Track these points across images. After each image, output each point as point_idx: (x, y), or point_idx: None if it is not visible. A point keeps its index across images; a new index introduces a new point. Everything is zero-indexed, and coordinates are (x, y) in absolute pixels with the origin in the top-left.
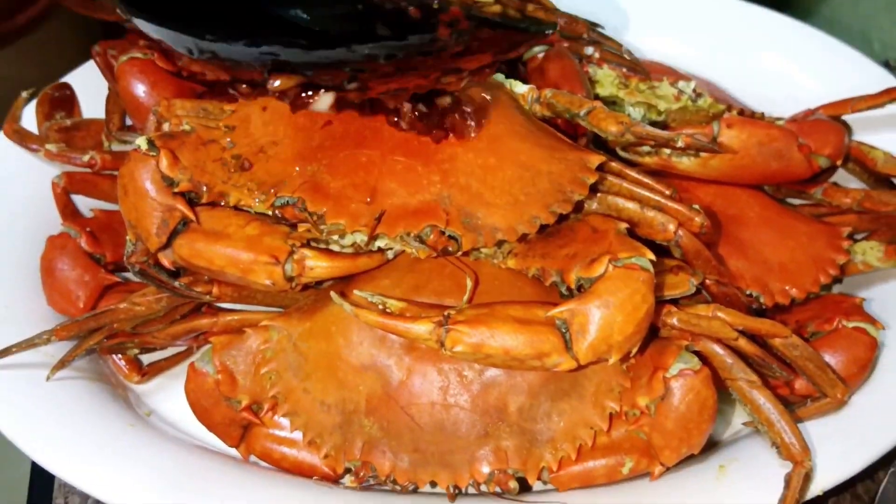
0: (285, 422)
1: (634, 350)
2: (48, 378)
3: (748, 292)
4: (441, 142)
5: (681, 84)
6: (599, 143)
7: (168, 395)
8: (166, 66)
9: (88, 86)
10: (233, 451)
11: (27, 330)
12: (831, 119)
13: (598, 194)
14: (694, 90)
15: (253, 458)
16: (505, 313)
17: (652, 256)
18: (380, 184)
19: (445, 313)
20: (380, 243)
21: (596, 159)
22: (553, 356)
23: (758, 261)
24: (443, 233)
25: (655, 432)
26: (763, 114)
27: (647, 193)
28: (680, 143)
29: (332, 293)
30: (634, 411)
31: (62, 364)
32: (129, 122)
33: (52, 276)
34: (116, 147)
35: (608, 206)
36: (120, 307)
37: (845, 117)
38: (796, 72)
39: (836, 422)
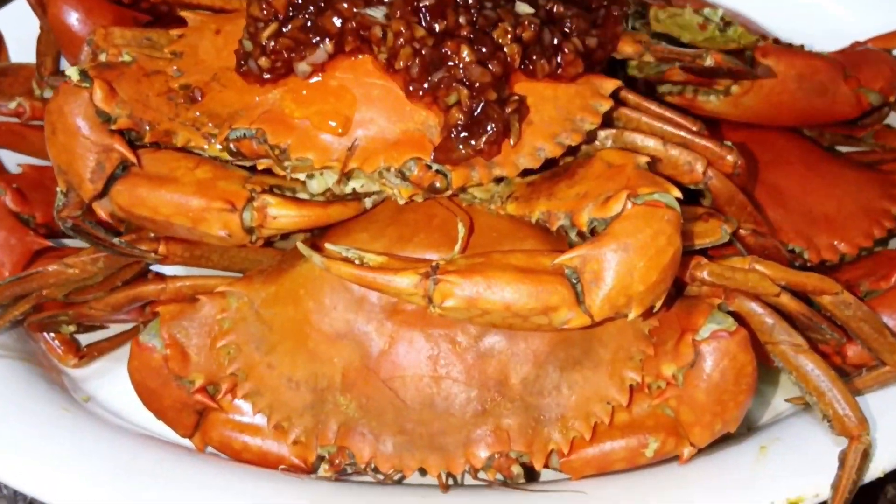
0: (247, 405)
1: (658, 304)
2: None
3: (790, 247)
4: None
5: (706, 12)
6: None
7: (110, 380)
8: None
9: (18, 26)
10: (186, 442)
11: None
12: (883, 51)
13: (614, 129)
14: (722, 18)
15: (210, 449)
16: (504, 262)
17: (678, 193)
18: (354, 111)
19: (434, 263)
20: (354, 184)
21: (611, 85)
22: (562, 310)
23: (800, 211)
24: (429, 167)
25: (684, 406)
26: (802, 46)
27: (670, 129)
28: (709, 62)
29: (299, 242)
30: (659, 382)
31: None
32: (64, 65)
33: None
34: (49, 94)
35: (625, 142)
36: (49, 269)
37: None
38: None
39: None
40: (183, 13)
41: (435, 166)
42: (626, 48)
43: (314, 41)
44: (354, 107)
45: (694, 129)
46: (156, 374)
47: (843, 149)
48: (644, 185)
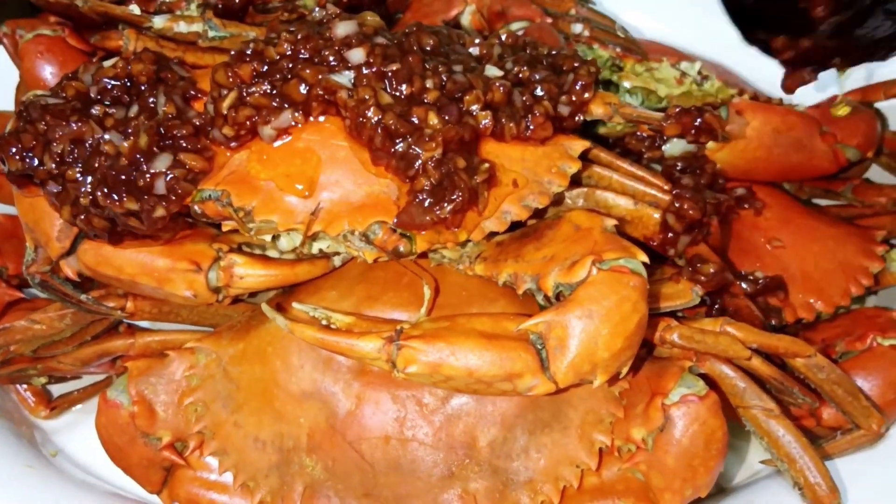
0: (215, 462)
1: (625, 370)
2: None
3: (765, 305)
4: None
5: (683, 65)
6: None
7: (80, 433)
8: (78, 45)
9: None
10: (154, 499)
11: None
12: (861, 105)
13: (585, 188)
14: (699, 72)
15: None
16: (469, 327)
17: (644, 258)
18: (320, 173)
19: (398, 328)
20: (320, 245)
21: (580, 146)
22: (526, 377)
23: (777, 269)
24: (393, 230)
25: (654, 471)
26: (781, 100)
27: (641, 187)
28: (673, 130)
29: (264, 305)
30: (629, 446)
31: None
32: None
33: None
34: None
35: (596, 201)
36: (16, 325)
37: (879, 105)
38: None
39: (872, 458)
40: None
41: (399, 230)
42: (596, 109)
43: (279, 107)
44: (320, 169)
45: (665, 187)
46: (123, 430)
47: (822, 202)
48: (610, 250)
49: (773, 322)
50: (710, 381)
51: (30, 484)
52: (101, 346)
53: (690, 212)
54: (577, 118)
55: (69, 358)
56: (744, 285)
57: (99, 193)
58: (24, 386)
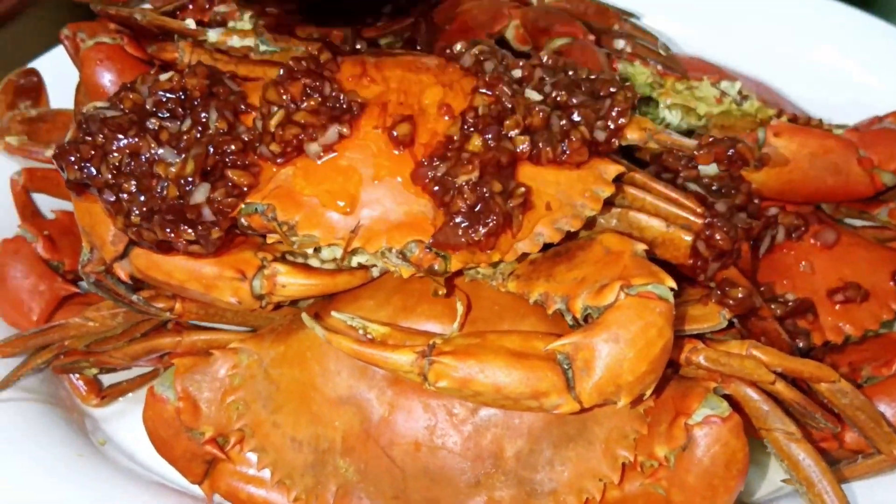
0: (254, 458)
1: (648, 392)
2: None
3: (794, 327)
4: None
5: (724, 84)
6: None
7: (128, 422)
8: (136, 53)
9: (59, 72)
10: (196, 489)
11: None
12: None
13: (619, 209)
14: (739, 91)
15: (218, 497)
16: (498, 344)
17: (672, 283)
18: (361, 191)
19: (431, 342)
20: (359, 258)
21: (614, 169)
22: (552, 396)
23: (807, 290)
24: (429, 249)
25: (675, 488)
26: (821, 121)
27: (674, 210)
28: (704, 158)
29: (304, 314)
30: (651, 462)
31: (6, 383)
32: None
33: (4, 285)
34: None
35: (629, 223)
36: (71, 322)
37: None
38: (858, 70)
39: (892, 483)
40: None
41: (435, 249)
42: (632, 135)
43: (324, 124)
44: (361, 186)
45: (699, 210)
46: (168, 424)
47: (857, 222)
48: (638, 276)
49: (801, 344)
50: (734, 402)
51: (80, 471)
52: (150, 342)
53: (721, 242)
54: (612, 143)
55: (120, 353)
56: (773, 306)
57: (156, 224)
58: (77, 375)
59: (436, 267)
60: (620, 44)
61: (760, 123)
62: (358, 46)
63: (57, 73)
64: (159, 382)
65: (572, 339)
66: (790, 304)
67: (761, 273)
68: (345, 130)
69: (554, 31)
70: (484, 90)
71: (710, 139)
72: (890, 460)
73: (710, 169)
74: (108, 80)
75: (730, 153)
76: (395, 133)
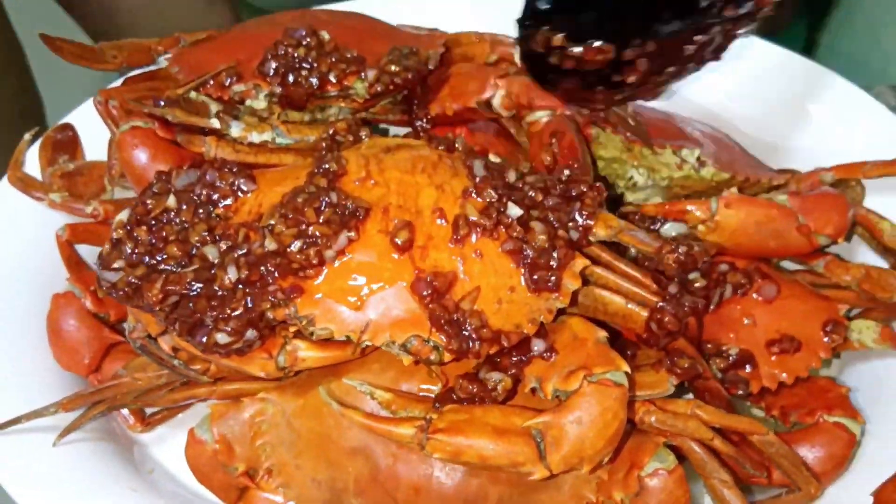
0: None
1: (606, 460)
2: (54, 444)
3: (735, 377)
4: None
5: (684, 153)
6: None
7: (171, 446)
8: (167, 136)
9: (89, 124)
10: None
11: (32, 384)
12: (837, 192)
13: (588, 286)
14: (698, 158)
15: None
16: (483, 421)
17: (627, 369)
18: (369, 291)
19: (427, 417)
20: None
21: (581, 263)
22: (527, 466)
23: (750, 342)
24: (426, 342)
25: None
26: (793, 172)
27: (632, 288)
28: (669, 260)
29: (321, 390)
30: (610, 502)
31: (67, 432)
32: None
33: (59, 336)
34: (118, 192)
35: (594, 297)
36: (122, 382)
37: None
38: (826, 121)
39: None
40: None
41: (431, 342)
42: (599, 232)
43: (336, 232)
44: (369, 287)
45: (653, 288)
46: (207, 462)
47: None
48: (599, 364)
49: (741, 392)
50: (680, 453)
51: None
52: (189, 392)
53: (670, 326)
54: (586, 240)
55: (162, 400)
56: (718, 360)
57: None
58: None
59: (431, 357)
60: None
61: (715, 186)
62: (362, 134)
63: (88, 124)
64: (198, 427)
65: (545, 418)
66: (732, 357)
67: (710, 326)
68: (353, 235)
69: (535, 104)
70: (473, 192)
71: (669, 246)
72: (807, 497)
73: (670, 231)
74: (143, 161)
75: (683, 257)
76: (396, 239)
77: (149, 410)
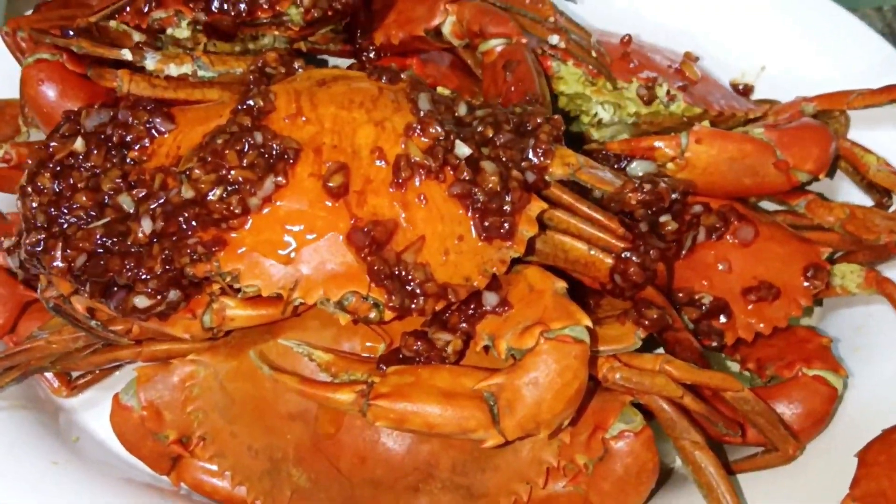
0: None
1: (566, 423)
2: None
3: (709, 328)
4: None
5: (652, 87)
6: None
7: (99, 412)
8: (76, 69)
9: (1, 59)
10: (166, 481)
11: None
12: (819, 123)
13: (546, 231)
14: (667, 92)
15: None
16: (430, 384)
17: (588, 323)
18: (300, 242)
19: (369, 380)
20: (299, 301)
21: (537, 207)
22: (479, 432)
23: (724, 289)
24: (365, 298)
25: (592, 491)
26: (747, 112)
27: (596, 232)
28: (632, 200)
29: (251, 352)
30: (573, 466)
31: None
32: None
33: None
34: (35, 134)
35: (554, 244)
36: (35, 345)
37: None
38: (812, 46)
39: (785, 478)
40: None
41: (371, 298)
42: (556, 171)
43: (261, 177)
44: (300, 237)
45: (619, 232)
46: (134, 429)
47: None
48: (557, 318)
49: (715, 344)
50: (649, 414)
51: (55, 481)
52: (112, 354)
53: (635, 277)
54: (543, 181)
55: (83, 362)
56: (689, 310)
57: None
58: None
59: (371, 315)
60: (554, 39)
61: (687, 121)
62: (296, 66)
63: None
64: (124, 391)
65: (497, 380)
66: (705, 306)
67: (682, 273)
68: (281, 180)
69: (488, 32)
70: (418, 128)
71: (632, 184)
72: (785, 457)
73: (637, 169)
74: (51, 97)
75: (647, 195)
76: (329, 184)
77: (76, 373)
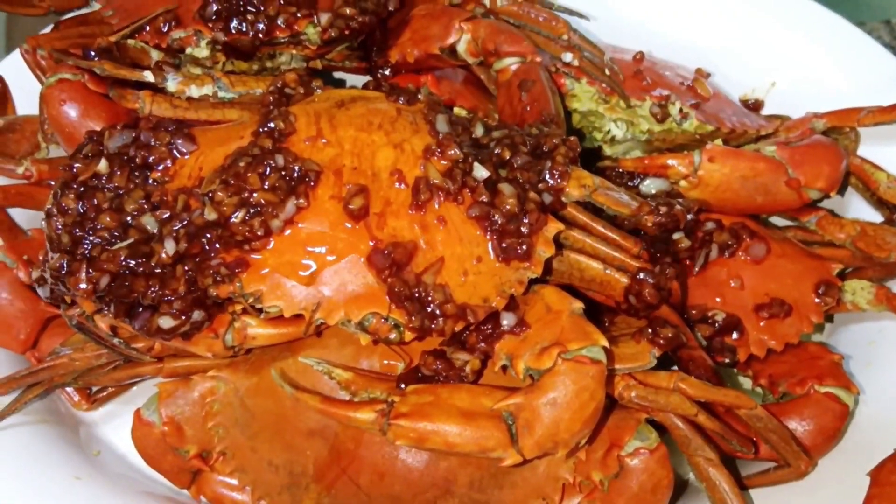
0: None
1: (583, 443)
2: None
3: (721, 344)
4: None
5: (665, 105)
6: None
7: (119, 425)
8: (97, 89)
9: (20, 75)
10: (185, 494)
11: None
12: (829, 141)
13: (562, 251)
14: (680, 110)
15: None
16: (449, 403)
17: (605, 343)
18: (321, 263)
19: (389, 400)
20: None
21: (554, 228)
22: (498, 451)
23: (737, 306)
24: (385, 319)
25: None
26: (758, 129)
27: (611, 252)
28: (648, 222)
29: (273, 371)
30: (588, 482)
31: (1, 417)
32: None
33: None
34: (54, 150)
35: (570, 263)
36: (59, 363)
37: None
38: (821, 61)
39: (797, 493)
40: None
41: (391, 320)
42: (572, 192)
43: (283, 199)
44: (321, 259)
45: (634, 251)
46: (155, 444)
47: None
48: (574, 339)
49: (727, 360)
50: (663, 429)
51: (78, 496)
52: (134, 370)
53: (649, 298)
54: (559, 203)
55: (105, 378)
56: (703, 326)
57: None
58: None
59: (391, 336)
60: (568, 57)
61: (699, 139)
62: (314, 86)
63: (19, 75)
64: (145, 407)
65: (515, 400)
66: (718, 324)
67: (695, 290)
68: (302, 202)
69: (502, 51)
70: (436, 151)
71: (648, 206)
72: (797, 472)
73: (650, 188)
74: (72, 118)
75: (664, 217)
76: (350, 206)
77: (96, 387)
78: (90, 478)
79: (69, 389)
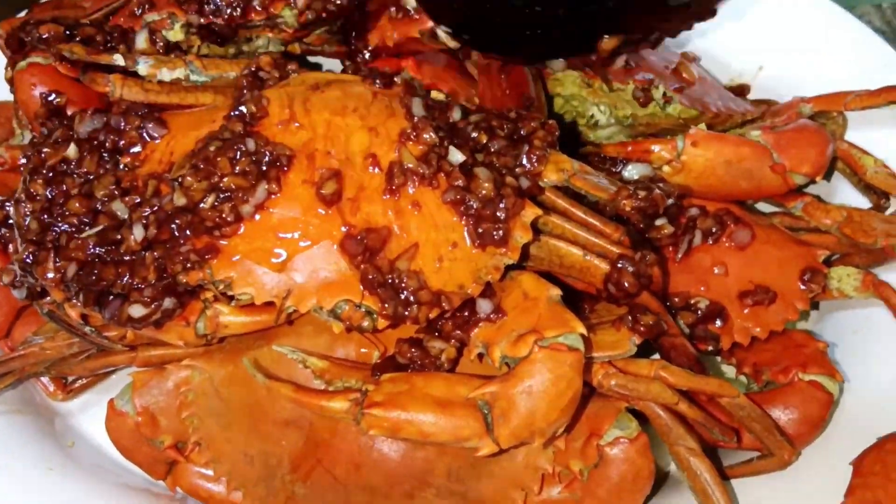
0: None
1: (560, 432)
2: None
3: (704, 332)
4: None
5: (649, 88)
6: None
7: (95, 414)
8: (69, 73)
9: None
10: (161, 485)
11: None
12: (816, 125)
13: (541, 237)
14: (664, 94)
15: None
16: (424, 392)
17: (583, 331)
18: (292, 249)
19: (363, 388)
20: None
21: (532, 213)
22: (473, 440)
23: (721, 293)
24: (358, 307)
25: (588, 497)
26: (744, 113)
27: (591, 238)
28: (626, 207)
29: (245, 360)
30: (567, 472)
31: None
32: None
33: None
34: (30, 136)
35: (548, 250)
36: (29, 352)
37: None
38: (810, 46)
39: (780, 483)
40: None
41: (364, 307)
42: (550, 175)
43: (254, 184)
44: (293, 245)
45: (615, 237)
46: (129, 434)
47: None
48: (552, 326)
49: (710, 348)
50: (644, 418)
51: (50, 489)
52: (106, 359)
53: (629, 287)
54: (536, 187)
55: (78, 368)
56: (685, 314)
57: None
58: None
59: (364, 324)
60: None
61: (683, 123)
62: (289, 69)
63: None
64: (118, 397)
65: (491, 388)
66: (701, 311)
67: (678, 277)
68: (273, 187)
69: None
70: (412, 135)
71: (626, 190)
72: (781, 462)
73: (632, 173)
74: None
75: (642, 202)
76: (322, 191)
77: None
78: (64, 468)
79: (44, 379)
